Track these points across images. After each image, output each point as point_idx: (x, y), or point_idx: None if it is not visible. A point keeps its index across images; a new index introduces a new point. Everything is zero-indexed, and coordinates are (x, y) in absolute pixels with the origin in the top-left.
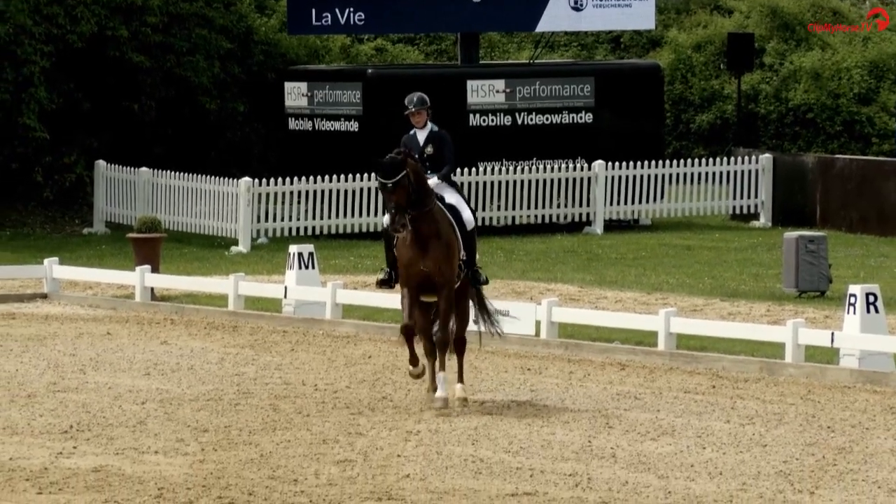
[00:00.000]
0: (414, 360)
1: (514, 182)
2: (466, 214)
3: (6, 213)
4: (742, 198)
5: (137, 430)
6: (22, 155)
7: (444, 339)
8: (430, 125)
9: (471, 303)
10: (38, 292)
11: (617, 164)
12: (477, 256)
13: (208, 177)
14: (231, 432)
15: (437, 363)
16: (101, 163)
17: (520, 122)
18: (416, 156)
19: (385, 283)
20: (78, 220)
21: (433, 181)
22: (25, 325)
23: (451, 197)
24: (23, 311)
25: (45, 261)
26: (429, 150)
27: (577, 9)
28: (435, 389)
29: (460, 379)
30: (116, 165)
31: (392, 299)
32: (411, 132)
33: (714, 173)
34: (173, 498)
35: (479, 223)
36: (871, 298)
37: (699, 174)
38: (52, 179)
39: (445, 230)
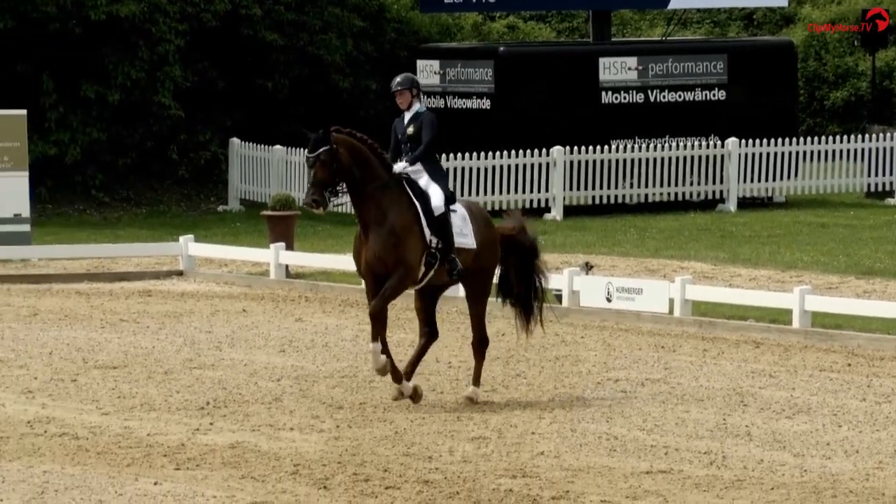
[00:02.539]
0: (383, 349)
1: (647, 160)
2: (435, 200)
3: (142, 191)
4: (877, 175)
5: (273, 407)
6: (157, 133)
7: (375, 311)
8: (417, 106)
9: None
10: (174, 269)
11: (750, 141)
12: (458, 243)
13: None
14: (366, 409)
15: (373, 334)
16: (235, 140)
17: (652, 99)
18: (399, 136)
19: None
20: (213, 198)
21: (400, 166)
22: (161, 302)
23: (424, 182)
24: (159, 288)
25: (181, 238)
26: (410, 130)
27: None
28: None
29: (475, 382)
30: (250, 143)
31: None
32: (402, 115)
33: (848, 150)
34: (309, 474)
35: (612, 201)
36: None
37: (833, 151)
38: (187, 157)
39: (394, 216)
